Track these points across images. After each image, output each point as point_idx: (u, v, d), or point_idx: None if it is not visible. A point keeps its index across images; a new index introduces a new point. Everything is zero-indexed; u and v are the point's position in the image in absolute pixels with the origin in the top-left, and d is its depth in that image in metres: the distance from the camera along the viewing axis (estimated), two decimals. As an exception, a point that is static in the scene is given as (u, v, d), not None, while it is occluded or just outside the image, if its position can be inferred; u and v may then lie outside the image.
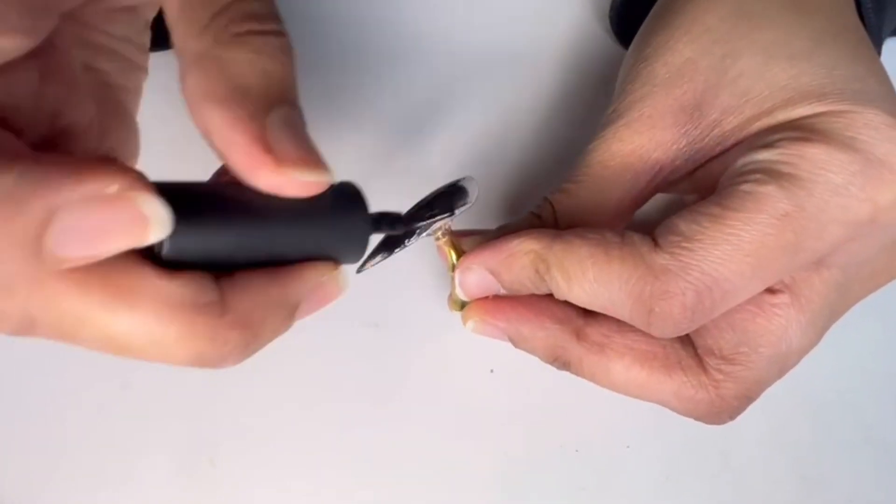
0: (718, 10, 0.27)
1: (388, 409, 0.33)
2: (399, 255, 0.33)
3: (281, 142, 0.19)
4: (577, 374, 0.29)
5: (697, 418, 0.28)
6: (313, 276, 0.21)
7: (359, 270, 0.28)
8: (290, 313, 0.21)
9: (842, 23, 0.28)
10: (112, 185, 0.16)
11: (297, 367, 0.32)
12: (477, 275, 0.28)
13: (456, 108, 0.36)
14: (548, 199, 0.29)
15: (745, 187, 0.24)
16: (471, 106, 0.36)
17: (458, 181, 0.27)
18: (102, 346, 0.18)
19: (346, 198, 0.22)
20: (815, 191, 0.24)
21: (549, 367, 0.29)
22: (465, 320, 0.29)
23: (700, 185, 0.29)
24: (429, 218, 0.27)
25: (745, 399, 0.28)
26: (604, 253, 0.25)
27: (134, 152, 0.27)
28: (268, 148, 0.19)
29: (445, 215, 0.27)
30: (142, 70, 0.27)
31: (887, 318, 0.38)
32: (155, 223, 0.16)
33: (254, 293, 0.20)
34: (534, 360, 0.30)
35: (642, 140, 0.28)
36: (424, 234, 0.27)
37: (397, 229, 0.24)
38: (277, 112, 0.19)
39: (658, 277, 0.24)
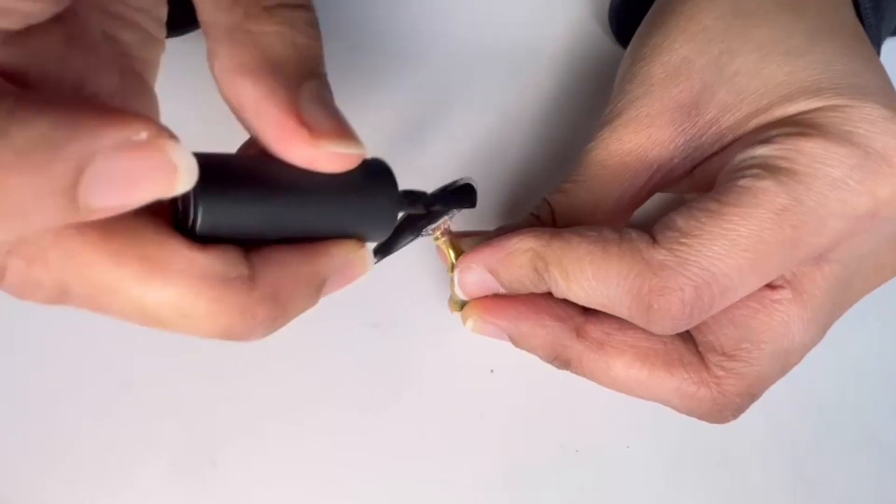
0: (714, 9, 0.28)
1: (389, 409, 0.33)
2: (400, 255, 0.34)
3: (314, 114, 0.19)
4: (577, 372, 0.29)
5: (700, 417, 0.28)
6: (342, 253, 0.21)
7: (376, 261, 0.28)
8: (317, 289, 0.21)
9: (837, 19, 0.28)
10: (142, 132, 0.16)
11: (297, 367, 0.32)
12: (476, 274, 0.28)
13: (455, 107, 0.36)
14: (546, 199, 0.29)
15: (743, 182, 0.24)
16: (469, 105, 0.36)
17: (459, 181, 0.27)
18: (134, 317, 0.18)
19: (375, 174, 0.22)
20: (813, 185, 0.24)
21: (549, 367, 0.29)
22: (464, 319, 0.29)
23: (698, 183, 0.29)
24: (434, 212, 0.27)
25: (748, 396, 0.28)
26: (602, 250, 0.25)
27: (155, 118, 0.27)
28: (301, 120, 0.19)
29: (449, 212, 0.27)
30: (159, 43, 0.26)
31: (887, 317, 0.38)
32: (184, 172, 0.16)
33: (283, 268, 0.20)
34: (534, 361, 0.30)
35: (640, 139, 0.28)
36: (426, 232, 0.27)
37: (418, 208, 0.25)
38: (309, 85, 0.19)
39: (656, 274, 0.24)
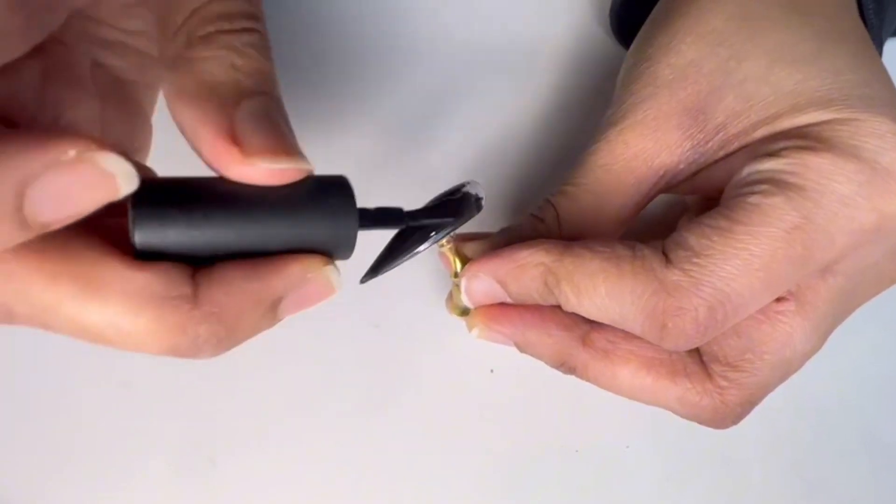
0: (722, 12, 0.27)
1: (389, 408, 0.33)
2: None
3: (248, 132, 0.19)
4: (582, 378, 0.29)
5: (701, 423, 0.29)
6: (297, 271, 0.21)
7: (363, 280, 0.27)
8: (270, 309, 0.21)
9: (844, 24, 0.28)
10: (70, 151, 0.16)
11: (297, 367, 0.32)
12: (484, 283, 0.28)
13: (456, 108, 0.36)
14: (550, 201, 0.29)
15: (753, 199, 0.24)
16: (470, 107, 0.36)
17: (465, 185, 0.27)
18: (78, 335, 0.19)
19: (331, 189, 0.21)
20: (822, 202, 0.24)
21: (549, 367, 0.29)
22: (470, 327, 0.29)
23: (701, 187, 0.29)
24: (437, 222, 0.26)
25: (749, 404, 0.28)
26: (615, 268, 0.25)
27: (143, 146, 0.27)
28: (234, 140, 0.19)
29: (453, 221, 0.26)
30: (156, 62, 0.27)
31: (887, 320, 0.38)
32: (122, 178, 0.17)
33: (229, 286, 0.20)
34: (534, 361, 0.30)
35: (646, 144, 0.27)
36: (436, 241, 0.27)
37: (397, 225, 0.24)
38: (248, 103, 0.19)
39: (671, 294, 0.24)
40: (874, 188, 0.24)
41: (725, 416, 0.28)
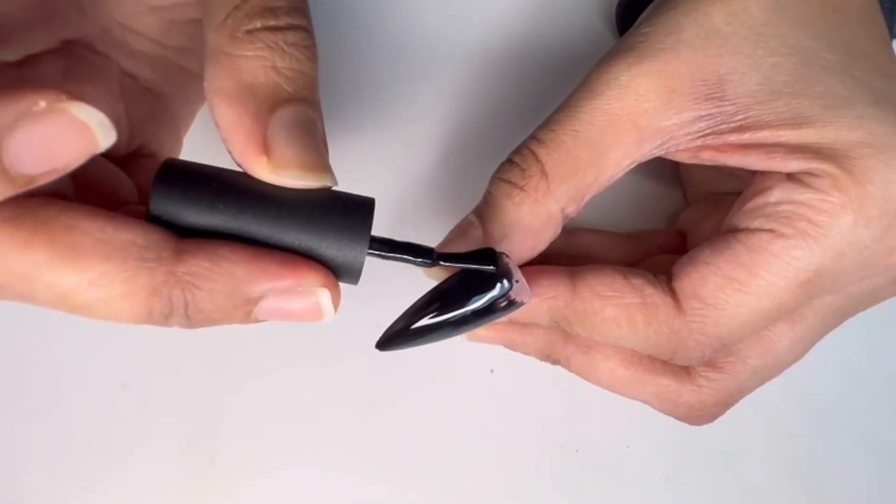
0: None
1: (389, 408, 0.33)
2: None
3: (280, 143, 0.19)
4: (566, 369, 0.30)
5: (677, 419, 0.29)
6: (288, 277, 0.20)
7: (381, 346, 0.26)
8: (246, 300, 0.20)
9: (872, 39, 0.27)
10: (40, 102, 0.17)
11: (297, 367, 0.32)
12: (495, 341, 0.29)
13: (458, 108, 0.35)
14: (532, 151, 0.25)
15: (775, 249, 0.24)
16: (472, 106, 0.36)
17: (498, 261, 0.24)
18: (59, 305, 0.19)
19: (350, 206, 0.21)
20: (846, 254, 0.24)
21: (549, 367, 0.30)
22: None
23: (701, 160, 0.27)
24: (474, 268, 0.24)
25: (725, 406, 0.29)
26: (627, 316, 0.26)
27: (171, 153, 0.27)
28: (264, 149, 0.19)
29: (486, 298, 0.24)
30: (185, 74, 0.27)
31: (886, 318, 0.38)
32: (96, 127, 0.17)
33: (214, 261, 0.19)
34: (534, 361, 0.30)
35: (659, 101, 0.24)
36: (459, 318, 0.24)
37: (421, 257, 0.22)
38: (284, 111, 0.19)
39: (682, 342, 0.25)
40: (889, 230, 0.24)
41: (700, 415, 0.29)
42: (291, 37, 0.20)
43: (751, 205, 0.25)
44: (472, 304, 0.23)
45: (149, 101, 0.26)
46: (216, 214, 0.20)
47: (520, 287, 0.24)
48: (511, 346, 0.29)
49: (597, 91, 0.25)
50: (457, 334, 0.24)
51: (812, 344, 0.28)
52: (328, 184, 0.20)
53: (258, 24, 0.19)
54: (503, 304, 0.23)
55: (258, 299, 0.20)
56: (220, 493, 0.31)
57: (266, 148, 0.19)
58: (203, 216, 0.20)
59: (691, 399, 0.28)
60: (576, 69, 0.37)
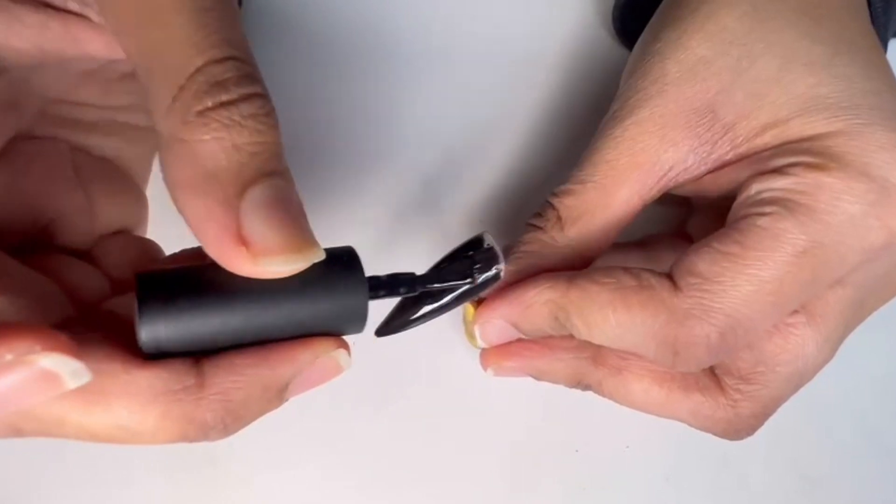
0: (734, 10, 0.27)
1: (389, 408, 0.33)
2: (401, 255, 0.33)
3: (255, 229, 0.18)
4: (599, 394, 0.29)
5: (716, 434, 0.29)
6: (307, 355, 0.20)
7: (379, 333, 0.27)
8: (277, 393, 0.21)
9: (856, 30, 0.27)
10: (7, 355, 0.16)
11: (297, 367, 0.32)
12: (497, 326, 0.28)
13: (457, 110, 0.35)
14: (551, 203, 0.28)
15: (763, 222, 0.24)
16: (471, 107, 0.36)
17: (480, 239, 0.26)
18: (88, 440, 0.19)
19: (339, 266, 0.21)
20: (832, 223, 0.24)
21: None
22: (484, 367, 0.30)
23: (707, 188, 0.28)
24: (452, 285, 0.25)
25: (763, 416, 0.28)
26: (622, 299, 0.25)
27: (139, 221, 0.27)
28: (240, 239, 0.18)
29: (470, 286, 0.25)
30: (142, 133, 0.26)
31: (889, 320, 0.38)
32: (67, 375, 0.16)
33: (235, 374, 0.20)
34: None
35: (653, 140, 0.27)
36: (454, 307, 0.26)
37: (409, 292, 0.23)
38: (254, 191, 0.18)
39: (682, 323, 0.24)
40: (884, 206, 0.24)
41: (739, 429, 0.28)
42: (246, 108, 0.18)
43: (735, 203, 0.26)
44: (466, 284, 0.25)
45: (106, 171, 0.25)
46: (211, 326, 0.19)
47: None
48: (540, 375, 0.29)
49: (597, 147, 0.28)
50: (451, 310, 0.26)
51: (838, 343, 0.28)
52: (315, 259, 0.19)
53: (209, 103, 0.18)
54: (493, 275, 0.25)
55: (287, 385, 0.21)
56: (220, 493, 0.31)
57: (242, 238, 0.18)
58: (199, 335, 0.19)
59: (728, 414, 0.28)
60: (573, 70, 0.37)
